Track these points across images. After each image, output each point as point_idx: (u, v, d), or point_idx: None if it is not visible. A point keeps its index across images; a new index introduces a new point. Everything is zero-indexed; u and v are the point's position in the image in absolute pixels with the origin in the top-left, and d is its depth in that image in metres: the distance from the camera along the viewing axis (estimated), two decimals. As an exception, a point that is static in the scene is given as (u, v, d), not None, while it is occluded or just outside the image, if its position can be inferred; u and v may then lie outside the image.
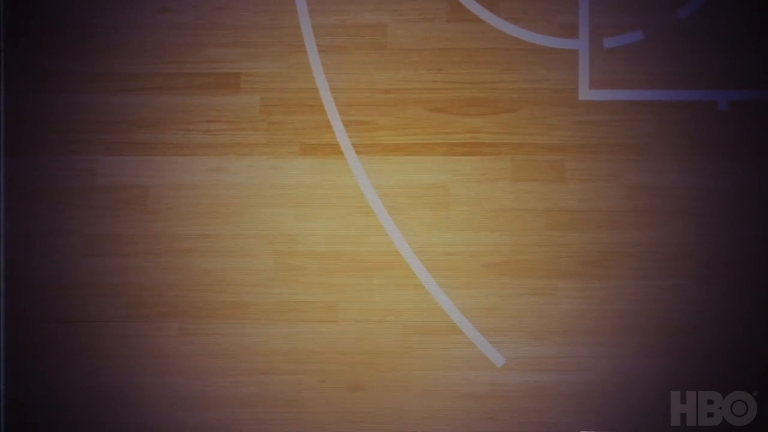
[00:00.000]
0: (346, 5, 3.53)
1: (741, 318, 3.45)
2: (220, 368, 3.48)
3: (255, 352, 3.48)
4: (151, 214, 3.50)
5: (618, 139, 3.48)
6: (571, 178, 3.48)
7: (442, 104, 3.51)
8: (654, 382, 3.46)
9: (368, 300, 3.48)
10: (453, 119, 3.51)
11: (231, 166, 3.51)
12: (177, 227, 3.50)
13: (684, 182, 3.47)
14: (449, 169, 3.50)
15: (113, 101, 3.52)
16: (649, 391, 3.46)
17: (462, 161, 3.50)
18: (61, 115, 3.52)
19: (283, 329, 3.48)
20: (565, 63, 3.50)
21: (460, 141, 3.50)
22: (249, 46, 3.53)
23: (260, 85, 3.52)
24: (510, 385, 3.47)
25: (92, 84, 3.52)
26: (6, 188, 3.51)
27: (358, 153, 3.50)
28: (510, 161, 3.49)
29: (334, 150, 3.51)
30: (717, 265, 3.46)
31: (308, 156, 3.51)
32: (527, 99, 3.50)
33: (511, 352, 3.46)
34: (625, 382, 3.46)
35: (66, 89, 3.52)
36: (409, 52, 3.52)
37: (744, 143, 3.47)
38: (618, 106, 3.49)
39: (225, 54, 3.53)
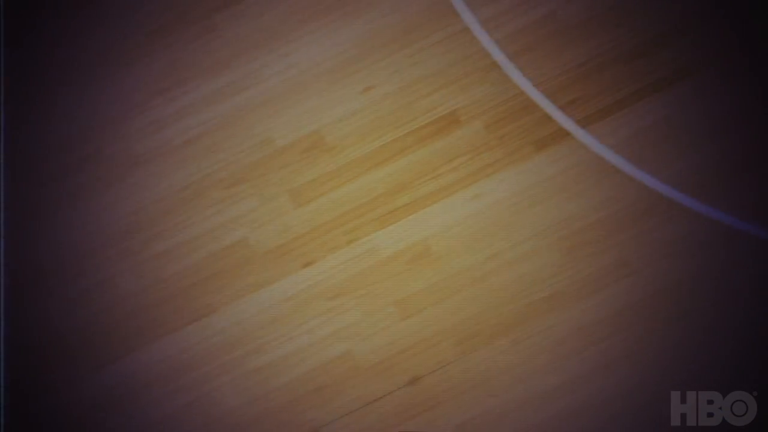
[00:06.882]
0: (514, 10, 3.79)
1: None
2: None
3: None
4: (433, 261, 3.74)
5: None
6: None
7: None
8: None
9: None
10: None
11: (485, 188, 3.75)
12: (465, 259, 3.73)
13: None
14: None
15: (364, 183, 3.80)
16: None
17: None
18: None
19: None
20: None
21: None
22: (451, 84, 3.80)
23: (476, 111, 3.79)
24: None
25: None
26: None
27: (583, 127, 3.74)
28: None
29: (562, 134, 3.75)
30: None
31: (543, 150, 3.76)
32: None
33: None
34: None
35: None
36: (586, 21, 3.78)
37: None
38: None
39: (435, 101, 3.80)
